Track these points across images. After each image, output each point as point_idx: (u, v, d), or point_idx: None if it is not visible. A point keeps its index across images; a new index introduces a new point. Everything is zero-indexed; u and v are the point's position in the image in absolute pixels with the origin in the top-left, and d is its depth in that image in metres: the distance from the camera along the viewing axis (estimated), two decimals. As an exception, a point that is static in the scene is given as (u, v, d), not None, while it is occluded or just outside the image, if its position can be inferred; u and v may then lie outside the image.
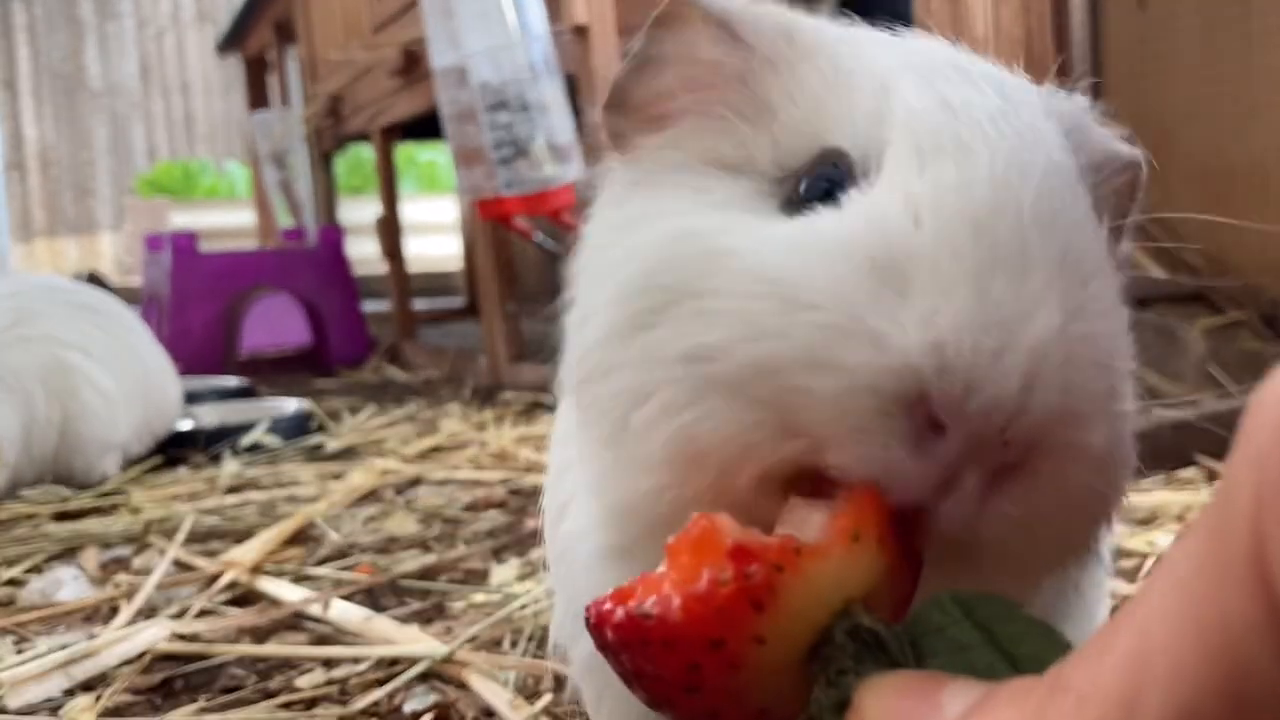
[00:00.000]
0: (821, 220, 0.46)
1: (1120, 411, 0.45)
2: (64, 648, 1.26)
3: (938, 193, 0.44)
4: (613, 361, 0.49)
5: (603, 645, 0.40)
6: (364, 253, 4.98)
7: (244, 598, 1.50)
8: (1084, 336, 0.43)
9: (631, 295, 0.48)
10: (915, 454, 0.42)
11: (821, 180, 0.48)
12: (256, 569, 1.56)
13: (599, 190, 0.58)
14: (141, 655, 1.26)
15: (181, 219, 8.42)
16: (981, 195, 0.43)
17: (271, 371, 4.06)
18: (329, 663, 1.24)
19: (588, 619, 0.41)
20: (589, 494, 0.60)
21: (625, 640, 0.39)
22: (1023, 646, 0.40)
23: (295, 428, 2.59)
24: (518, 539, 1.73)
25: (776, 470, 0.44)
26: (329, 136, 4.95)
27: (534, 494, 2.00)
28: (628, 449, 0.48)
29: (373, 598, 1.47)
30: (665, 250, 0.49)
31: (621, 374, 0.48)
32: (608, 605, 0.40)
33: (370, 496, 2.05)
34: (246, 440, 2.43)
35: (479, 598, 1.44)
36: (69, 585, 1.54)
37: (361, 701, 1.12)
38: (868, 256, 0.43)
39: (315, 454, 2.46)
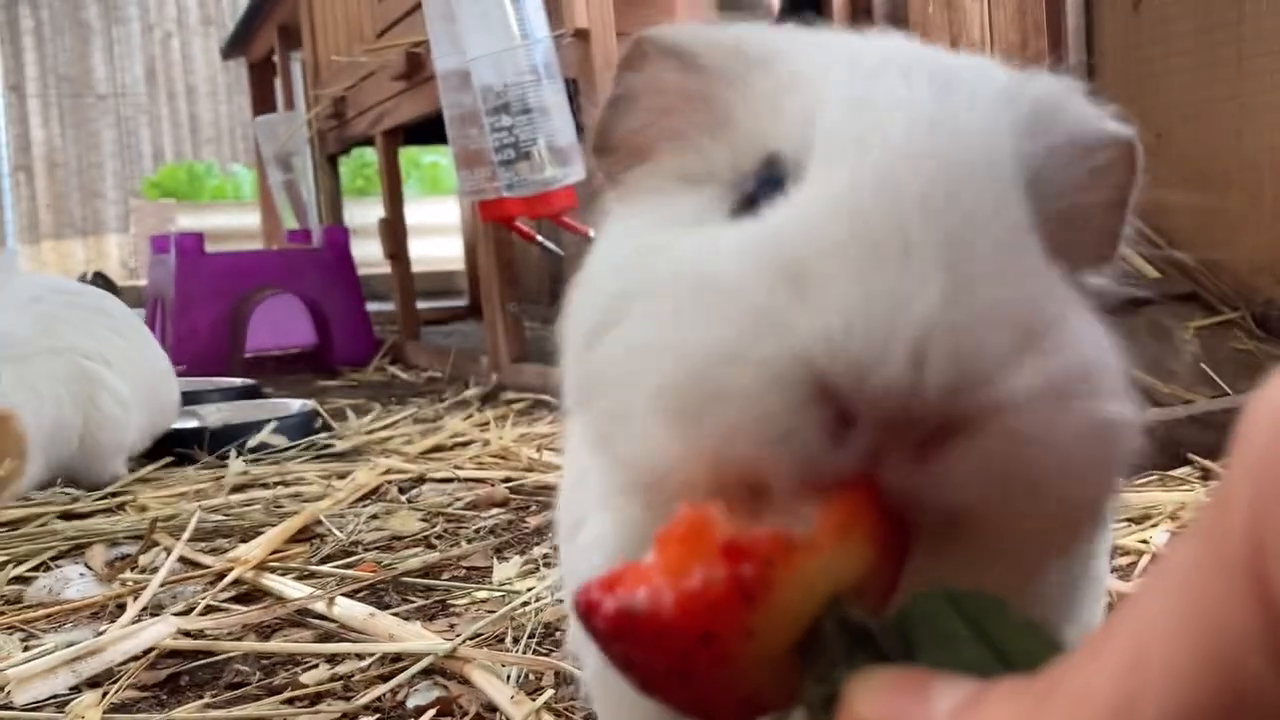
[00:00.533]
0: (751, 223, 0.49)
1: (1060, 362, 0.45)
2: (70, 645, 1.27)
3: (832, 189, 0.46)
4: (579, 375, 0.51)
5: (592, 632, 0.41)
6: (368, 254, 4.99)
7: (249, 595, 1.51)
8: (977, 305, 0.43)
9: (594, 311, 0.51)
10: (833, 446, 0.43)
11: (764, 184, 0.51)
12: (261, 566, 1.58)
13: (596, 229, 0.61)
14: (147, 652, 1.27)
15: (187, 221, 8.45)
16: (865, 190, 0.45)
17: (276, 372, 4.07)
18: (333, 659, 1.25)
19: (577, 606, 0.41)
20: (599, 506, 0.61)
21: (614, 630, 0.40)
22: (1012, 643, 0.40)
23: (300, 427, 2.61)
24: (520, 536, 1.74)
25: (726, 489, 0.45)
26: (333, 139, 4.97)
27: (535, 492, 2.01)
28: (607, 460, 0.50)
29: (376, 595, 1.48)
30: (625, 266, 0.51)
31: (586, 387, 0.51)
32: (596, 594, 0.40)
33: (374, 495, 2.06)
34: (254, 441, 2.45)
35: (481, 595, 1.46)
36: (76, 583, 1.56)
37: (365, 697, 1.13)
38: (774, 257, 0.45)
39: (320, 453, 2.48)
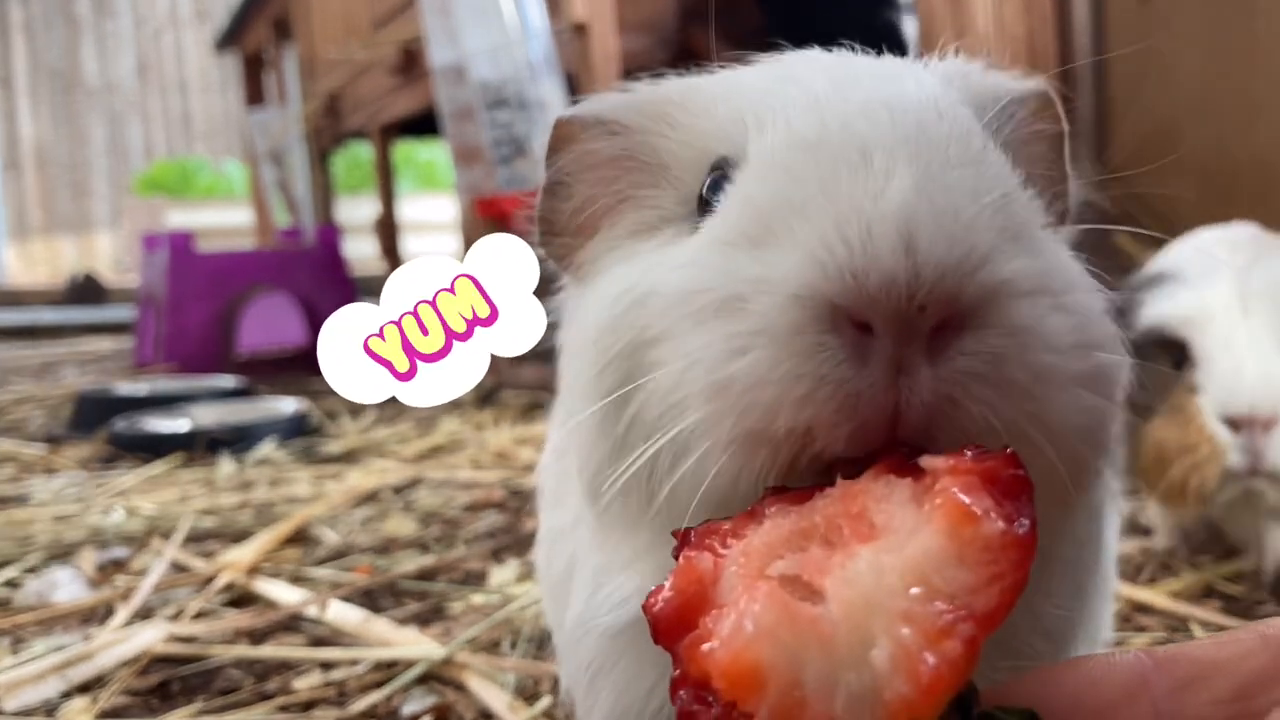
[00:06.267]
0: (710, 220, 0.51)
1: (1044, 263, 0.46)
2: (60, 649, 1.25)
3: (774, 141, 0.49)
4: (613, 435, 0.51)
5: None
6: (362, 252, 4.97)
7: (241, 599, 1.49)
8: (953, 189, 0.44)
9: (605, 377, 0.51)
10: (862, 362, 0.43)
11: (715, 184, 0.53)
12: (254, 570, 1.55)
13: (562, 314, 0.62)
14: (138, 657, 1.25)
15: (179, 218, 8.41)
16: (802, 133, 0.48)
17: (269, 371, 4.04)
18: (327, 665, 1.23)
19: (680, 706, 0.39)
20: (617, 565, 0.60)
21: None
22: None
23: (293, 428, 2.58)
24: (517, 540, 1.72)
25: (793, 467, 0.45)
26: (327, 135, 4.95)
27: (532, 495, 1.99)
28: (661, 517, 0.50)
29: (371, 599, 1.46)
30: (612, 326, 0.52)
31: (624, 442, 0.50)
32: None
33: (368, 497, 2.04)
34: (253, 456, 2.40)
35: (478, 599, 1.44)
36: (66, 586, 1.53)
37: (359, 704, 1.12)
38: (740, 230, 0.47)
39: (313, 454, 2.45)
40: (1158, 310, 1.29)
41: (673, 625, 0.39)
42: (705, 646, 0.38)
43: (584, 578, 0.63)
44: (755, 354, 0.44)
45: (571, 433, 0.56)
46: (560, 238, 0.62)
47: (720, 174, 0.53)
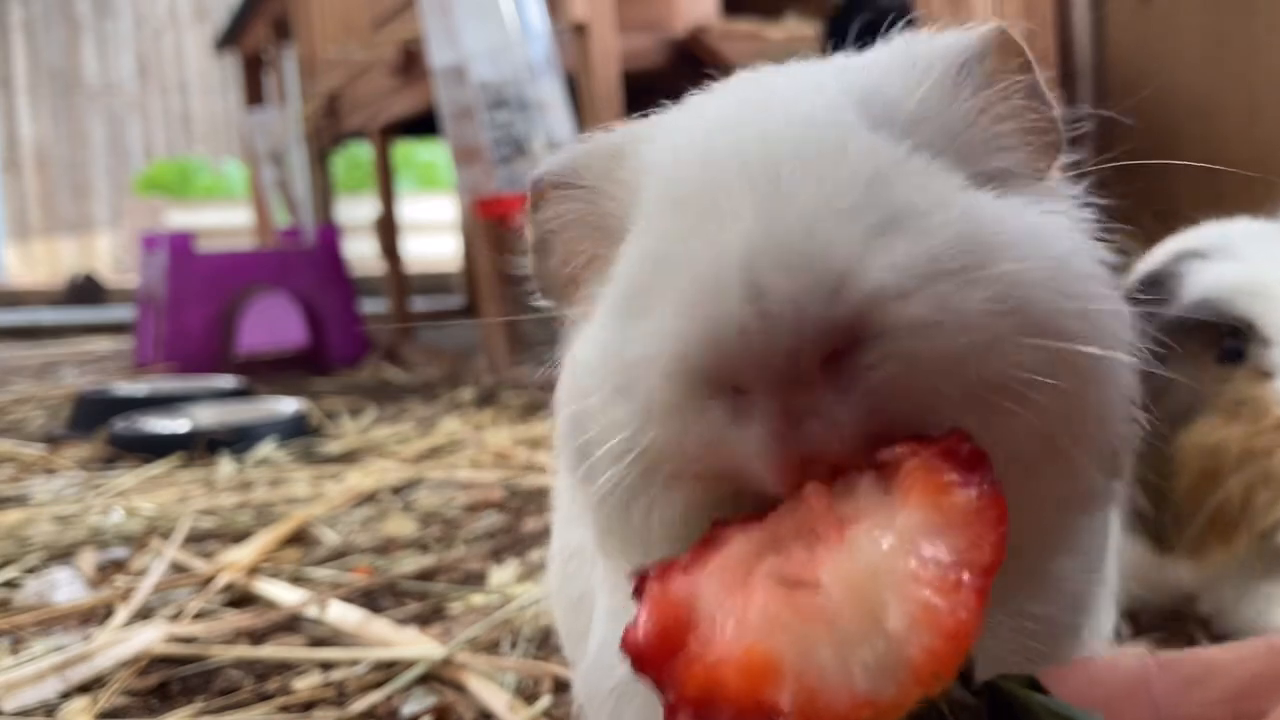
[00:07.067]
0: (608, 287, 0.51)
1: (940, 240, 0.42)
2: (60, 650, 1.25)
3: (649, 200, 0.49)
4: (572, 453, 0.51)
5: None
6: (362, 252, 4.97)
7: (241, 599, 1.49)
8: (801, 211, 0.41)
9: (574, 407, 0.51)
10: (749, 422, 0.41)
11: None
12: (253, 570, 1.55)
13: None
14: (138, 658, 1.25)
15: (178, 218, 8.41)
16: (675, 174, 0.47)
17: (268, 371, 4.04)
18: (326, 665, 1.23)
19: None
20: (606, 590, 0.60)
21: None
22: None
23: (292, 428, 2.58)
24: (516, 540, 1.72)
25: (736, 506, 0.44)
26: (326, 135, 4.94)
27: (533, 495, 1.99)
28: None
29: (370, 599, 1.46)
30: (574, 375, 0.52)
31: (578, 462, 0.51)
32: None
33: (368, 497, 2.04)
34: (253, 456, 2.40)
35: (477, 599, 1.43)
36: (65, 587, 1.53)
37: (359, 704, 1.11)
38: (623, 299, 0.47)
39: (313, 454, 2.45)
40: (1202, 283, 1.03)
41: (658, 652, 0.39)
42: (710, 657, 0.38)
43: (600, 618, 0.63)
44: (652, 434, 0.44)
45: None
46: (556, 295, 0.62)
47: None
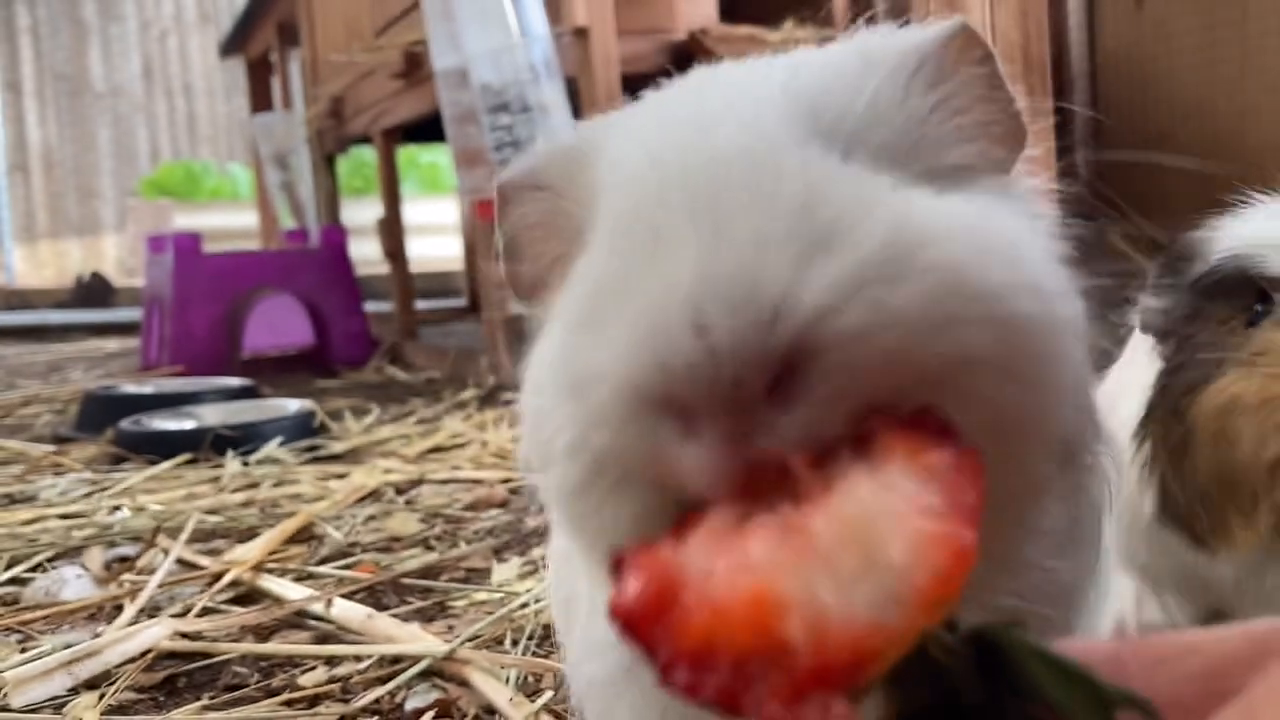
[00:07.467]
0: (561, 293, 0.52)
1: (865, 250, 0.43)
2: (68, 646, 1.26)
3: (602, 215, 0.50)
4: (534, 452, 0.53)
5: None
6: (366, 254, 4.99)
7: (247, 596, 1.51)
8: (738, 246, 0.43)
9: (533, 410, 0.52)
10: (699, 439, 0.42)
11: None
12: (259, 568, 1.57)
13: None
14: (145, 654, 1.26)
15: (184, 220, 8.44)
16: (626, 190, 0.48)
17: (274, 372, 4.06)
18: (331, 661, 1.25)
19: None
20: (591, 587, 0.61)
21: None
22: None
23: (298, 428, 2.60)
24: (519, 538, 1.73)
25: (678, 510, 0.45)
26: (331, 138, 4.96)
27: (534, 493, 2.00)
28: None
29: (375, 596, 1.48)
30: (538, 369, 0.53)
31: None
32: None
33: (372, 496, 2.06)
34: (258, 456, 2.42)
35: (480, 596, 1.45)
36: (73, 584, 1.55)
37: (364, 699, 1.13)
38: (576, 309, 0.48)
39: (318, 454, 2.47)
40: (1229, 238, 0.92)
41: (649, 611, 0.38)
42: (708, 607, 0.38)
43: (582, 616, 0.64)
44: (601, 438, 0.45)
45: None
46: (529, 296, 0.63)
47: None
